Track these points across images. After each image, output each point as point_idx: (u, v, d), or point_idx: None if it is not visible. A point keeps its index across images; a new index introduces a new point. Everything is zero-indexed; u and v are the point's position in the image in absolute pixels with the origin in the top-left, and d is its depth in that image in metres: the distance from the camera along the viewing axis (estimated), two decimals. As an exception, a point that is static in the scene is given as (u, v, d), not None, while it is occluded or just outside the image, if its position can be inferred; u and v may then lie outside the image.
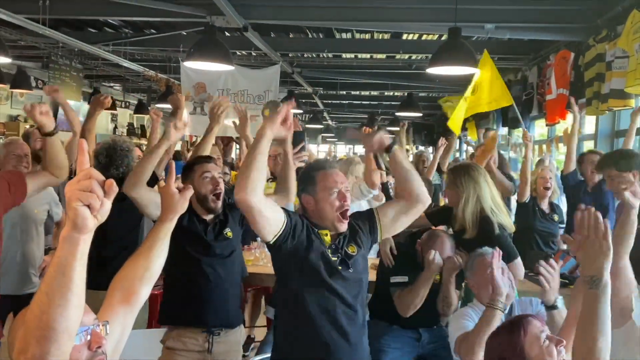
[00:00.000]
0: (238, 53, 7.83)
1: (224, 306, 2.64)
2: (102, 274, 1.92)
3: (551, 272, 2.24)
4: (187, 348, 2.59)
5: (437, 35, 6.53)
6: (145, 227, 3.42)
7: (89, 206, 1.04)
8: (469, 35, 6.08)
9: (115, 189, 1.07)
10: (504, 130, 8.58)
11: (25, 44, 7.12)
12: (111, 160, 3.34)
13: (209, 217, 2.69)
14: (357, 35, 7.07)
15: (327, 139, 21.13)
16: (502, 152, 7.48)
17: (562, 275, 2.85)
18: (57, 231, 3.92)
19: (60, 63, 7.60)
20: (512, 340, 1.78)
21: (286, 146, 2.65)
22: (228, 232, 2.67)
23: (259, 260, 3.97)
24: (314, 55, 7.83)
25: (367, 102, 13.60)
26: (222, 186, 2.63)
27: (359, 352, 2.21)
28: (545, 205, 4.38)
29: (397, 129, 13.95)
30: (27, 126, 10.02)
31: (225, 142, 7.13)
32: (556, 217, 4.41)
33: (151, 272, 1.59)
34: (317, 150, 17.87)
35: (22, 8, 5.31)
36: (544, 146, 6.50)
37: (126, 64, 7.74)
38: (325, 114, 14.96)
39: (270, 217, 2.03)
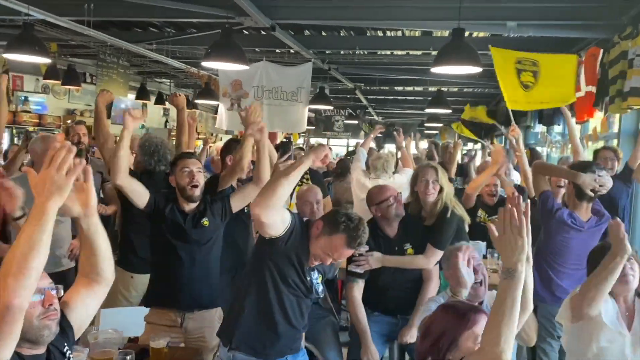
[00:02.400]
0: (277, 51, 8.05)
1: (196, 288, 2.91)
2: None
3: None
4: (162, 322, 2.88)
5: (467, 33, 6.51)
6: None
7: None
8: (497, 34, 6.06)
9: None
10: (540, 128, 8.45)
11: (76, 43, 7.60)
12: (158, 158, 3.82)
13: (188, 208, 2.97)
14: (389, 33, 7.14)
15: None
16: (538, 148, 7.41)
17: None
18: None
19: (108, 61, 8.08)
20: (456, 325, 1.90)
21: (260, 145, 2.97)
22: (205, 221, 2.95)
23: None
24: (350, 52, 7.94)
25: (412, 98, 13.58)
26: (198, 179, 2.93)
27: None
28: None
29: (439, 124, 13.92)
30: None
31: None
32: None
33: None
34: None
35: (68, 11, 5.71)
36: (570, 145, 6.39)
37: (169, 61, 8.12)
38: (370, 109, 15.01)
39: (278, 227, 2.31)
